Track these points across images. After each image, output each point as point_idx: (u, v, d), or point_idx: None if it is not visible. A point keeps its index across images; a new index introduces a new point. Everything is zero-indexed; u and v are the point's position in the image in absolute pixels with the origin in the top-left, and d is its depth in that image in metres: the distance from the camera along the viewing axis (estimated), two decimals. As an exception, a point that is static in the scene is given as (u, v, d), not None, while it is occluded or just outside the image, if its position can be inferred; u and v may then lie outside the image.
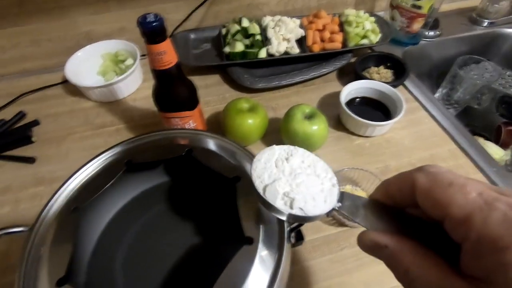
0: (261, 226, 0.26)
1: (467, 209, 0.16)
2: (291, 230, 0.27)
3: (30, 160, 0.53)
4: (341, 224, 0.44)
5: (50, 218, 0.28)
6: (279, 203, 0.22)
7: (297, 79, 0.62)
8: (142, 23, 0.34)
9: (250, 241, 0.25)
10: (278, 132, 0.53)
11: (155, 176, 0.34)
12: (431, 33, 0.72)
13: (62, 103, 0.63)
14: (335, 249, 0.42)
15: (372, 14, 0.68)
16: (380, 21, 0.69)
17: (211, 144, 0.33)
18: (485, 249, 0.15)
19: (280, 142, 0.53)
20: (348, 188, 0.47)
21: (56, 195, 0.29)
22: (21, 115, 0.59)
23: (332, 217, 0.44)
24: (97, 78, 0.66)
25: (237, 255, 0.24)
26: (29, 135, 0.56)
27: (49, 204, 0.28)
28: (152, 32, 0.34)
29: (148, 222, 0.32)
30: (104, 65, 0.66)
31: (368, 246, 0.20)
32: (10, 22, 0.62)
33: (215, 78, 0.67)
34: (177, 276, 0.30)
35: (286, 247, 0.26)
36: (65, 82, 0.66)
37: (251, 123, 0.48)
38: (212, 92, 0.64)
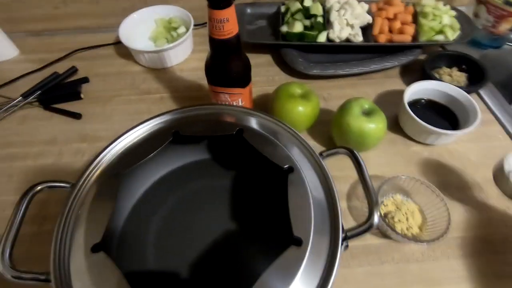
0: (312, 226, 0.23)
1: None
2: (345, 237, 0.24)
3: (77, 115, 0.54)
4: (385, 236, 0.40)
5: (92, 179, 0.27)
6: None
7: (356, 70, 0.56)
8: (209, -16, 0.31)
9: (299, 243, 0.22)
10: (327, 124, 0.49)
11: (201, 151, 0.32)
12: (520, 37, 0.63)
13: (111, 64, 0.63)
14: (374, 262, 0.38)
15: (453, 7, 0.60)
16: (461, 16, 0.60)
17: (265, 127, 0.30)
18: None
19: (328, 135, 0.49)
20: (398, 198, 0.42)
21: (101, 156, 0.28)
22: (73, 70, 0.60)
23: (377, 227, 0.40)
24: (148, 42, 0.65)
25: (283, 255, 0.22)
26: (78, 91, 0.57)
27: (93, 164, 0.27)
28: (218, -5, 0.31)
29: (187, 197, 0.31)
30: (157, 30, 0.65)
31: None
32: (73, -24, 0.62)
33: (266, 58, 0.63)
34: (211, 261, 0.28)
35: (339, 255, 0.23)
36: (117, 43, 0.66)
37: (302, 111, 0.44)
38: (261, 73, 0.61)
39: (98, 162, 0.27)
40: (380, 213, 0.39)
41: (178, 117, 0.30)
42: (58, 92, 0.57)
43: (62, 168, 0.48)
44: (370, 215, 0.23)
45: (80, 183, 0.26)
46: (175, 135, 0.29)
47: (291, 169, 0.26)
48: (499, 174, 0.42)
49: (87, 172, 0.27)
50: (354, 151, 0.28)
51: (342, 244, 0.23)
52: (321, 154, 0.28)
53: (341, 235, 0.23)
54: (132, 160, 0.27)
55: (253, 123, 0.31)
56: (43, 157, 0.49)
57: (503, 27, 0.59)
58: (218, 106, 0.32)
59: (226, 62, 0.38)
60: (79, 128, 0.53)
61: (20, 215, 0.23)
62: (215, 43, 0.36)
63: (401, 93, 0.49)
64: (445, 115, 0.50)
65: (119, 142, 0.29)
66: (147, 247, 0.29)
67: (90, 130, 0.53)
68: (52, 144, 0.51)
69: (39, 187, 0.25)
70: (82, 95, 0.57)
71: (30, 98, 0.55)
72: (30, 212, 0.26)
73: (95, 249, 0.22)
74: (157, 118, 0.30)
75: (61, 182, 0.27)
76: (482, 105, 0.54)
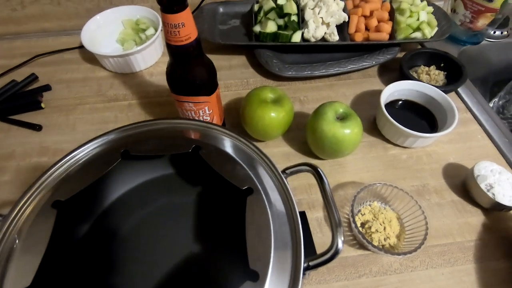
0: (271, 257, 0.21)
1: None
2: (307, 267, 0.22)
3: (37, 127, 0.50)
4: (362, 247, 0.38)
5: (28, 209, 0.24)
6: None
7: (332, 70, 0.54)
8: (159, -15, 0.28)
9: (256, 277, 0.20)
10: (302, 129, 0.47)
11: (154, 169, 0.29)
12: (498, 32, 0.62)
13: (76, 69, 0.59)
14: (352, 275, 0.37)
15: (429, 3, 0.59)
16: (438, 12, 0.59)
17: (225, 143, 0.27)
18: None
19: (304, 140, 0.47)
20: (376, 206, 0.41)
21: (39, 183, 0.25)
22: (33, 77, 0.56)
23: (354, 237, 0.39)
24: (115, 46, 0.62)
25: (237, 292, 0.19)
26: (39, 100, 0.53)
27: (29, 192, 0.24)
28: (170, -2, 0.28)
29: (139, 223, 0.28)
30: (124, 32, 0.61)
31: None
32: (29, -24, 0.57)
33: (240, 60, 0.61)
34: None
35: (300, 289, 0.20)
36: (82, 47, 0.62)
37: (274, 117, 0.42)
38: (235, 75, 0.58)
39: (36, 190, 0.24)
40: (356, 224, 0.37)
41: (127, 134, 0.27)
42: (16, 102, 0.53)
43: (20, 185, 0.45)
44: (333, 241, 0.21)
45: (13, 214, 0.23)
46: (124, 155, 0.26)
47: (251, 190, 0.24)
48: (471, 184, 0.41)
49: (22, 202, 0.24)
50: (318, 168, 0.26)
51: (303, 277, 0.21)
52: (284, 171, 0.26)
53: (302, 266, 0.21)
54: (74, 185, 0.24)
55: (212, 139, 0.28)
56: (-1, 174, 0.46)
57: (481, 22, 0.58)
58: (172, 121, 0.29)
59: (187, 70, 0.35)
60: (39, 140, 0.49)
61: None
62: (172, 50, 0.33)
63: (379, 93, 0.47)
64: (423, 116, 0.49)
65: (60, 167, 0.26)
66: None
67: (51, 142, 0.49)
68: (9, 159, 0.47)
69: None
70: (43, 105, 0.53)
71: (-15, 110, 0.51)
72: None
73: (23, 295, 0.19)
74: (103, 138, 0.27)
75: (-9, 214, 0.24)
76: (460, 104, 0.53)
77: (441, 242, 0.39)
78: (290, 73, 0.54)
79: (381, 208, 0.40)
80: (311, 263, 0.21)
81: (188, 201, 0.29)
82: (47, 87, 0.55)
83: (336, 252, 0.21)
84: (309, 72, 0.54)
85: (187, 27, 0.31)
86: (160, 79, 0.58)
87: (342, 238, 0.21)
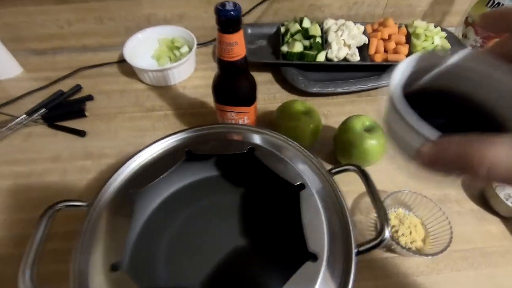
0: (326, 241, 0.24)
1: None
2: (357, 253, 0.25)
3: (81, 133, 0.54)
4: (389, 250, 0.41)
5: (107, 197, 0.27)
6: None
7: (354, 88, 0.59)
8: (220, 10, 0.32)
9: (314, 258, 0.23)
10: (328, 141, 0.50)
11: (213, 169, 0.33)
12: (506, 56, 0.66)
13: (115, 82, 0.64)
14: (380, 275, 0.39)
15: (443, 29, 0.64)
16: (450, 37, 0.64)
17: (274, 145, 0.31)
18: None
19: (330, 151, 0.50)
20: (401, 212, 0.43)
21: (115, 175, 0.28)
22: (78, 88, 0.60)
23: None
24: (151, 61, 0.67)
25: (299, 271, 0.22)
26: (82, 108, 0.58)
27: (108, 183, 0.28)
28: (228, 20, 0.33)
29: (199, 214, 0.31)
30: (160, 49, 0.67)
31: None
32: (80, -3, 0.64)
33: (267, 77, 0.65)
34: (224, 278, 0.28)
35: (354, 271, 0.23)
36: (120, 61, 0.67)
37: (306, 127, 0.46)
38: (262, 91, 0.63)
39: (114, 180, 0.28)
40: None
41: (189, 136, 0.31)
42: (62, 109, 0.57)
43: (67, 185, 0.48)
44: (382, 229, 0.24)
45: (95, 202, 0.27)
46: (188, 154, 0.30)
47: (303, 186, 0.27)
48: (490, 193, 0.44)
49: (102, 191, 0.27)
50: (362, 168, 0.29)
51: (355, 259, 0.24)
52: (329, 171, 0.29)
53: (353, 250, 0.24)
54: (146, 178, 0.28)
55: (262, 141, 0.32)
56: (47, 175, 0.49)
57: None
58: (228, 125, 0.33)
59: (234, 83, 0.39)
60: (83, 145, 0.53)
61: (40, 235, 0.23)
62: (224, 64, 0.37)
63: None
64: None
65: (133, 161, 0.29)
66: (159, 264, 0.29)
67: (94, 147, 0.53)
68: (57, 162, 0.51)
69: (58, 206, 0.25)
70: (86, 113, 0.57)
71: (35, 116, 0.55)
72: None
73: (114, 267, 0.22)
74: (170, 137, 0.31)
75: (78, 201, 0.27)
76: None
77: (463, 247, 0.41)
78: (315, 89, 0.58)
79: (406, 214, 0.43)
80: (360, 248, 0.24)
81: (245, 195, 0.32)
82: (90, 97, 0.60)
83: (383, 240, 0.24)
84: (332, 89, 0.58)
85: (239, 46, 0.35)
86: (192, 92, 0.63)
87: (389, 228, 0.24)
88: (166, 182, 0.30)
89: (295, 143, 0.31)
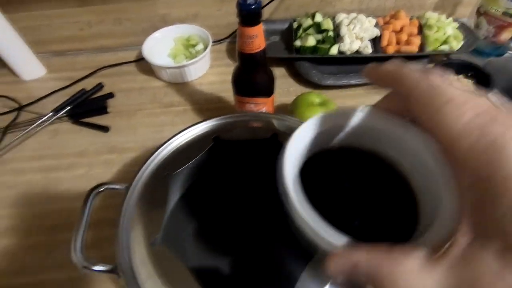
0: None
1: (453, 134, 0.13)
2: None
3: (105, 129, 0.57)
4: None
5: (144, 180, 0.29)
6: None
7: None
8: (242, 4, 0.34)
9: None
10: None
11: (239, 154, 0.34)
12: (520, 45, 0.66)
13: (134, 80, 0.67)
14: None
15: (455, 19, 0.64)
16: (462, 27, 0.64)
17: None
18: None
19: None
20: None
21: (150, 159, 0.30)
22: (100, 86, 0.63)
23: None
24: (167, 59, 0.69)
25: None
26: (105, 106, 0.60)
27: (144, 167, 0.30)
28: (250, 14, 0.35)
29: (229, 196, 0.33)
30: (176, 48, 0.69)
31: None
32: (99, 0, 0.66)
33: (280, 71, 0.67)
34: (256, 256, 0.30)
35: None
36: (138, 60, 0.70)
37: (322, 118, 0.47)
38: (277, 85, 0.63)
39: (148, 165, 0.30)
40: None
41: (216, 123, 0.33)
42: (86, 107, 0.60)
43: (94, 177, 0.51)
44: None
45: (133, 184, 0.29)
46: (216, 140, 0.31)
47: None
48: None
49: (139, 174, 0.29)
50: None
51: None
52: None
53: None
54: (178, 163, 0.30)
55: (283, 127, 0.33)
56: (74, 169, 0.52)
57: (504, 36, 0.63)
58: (252, 114, 0.34)
59: (254, 74, 0.41)
60: (107, 140, 0.56)
61: (87, 213, 0.25)
62: (244, 56, 0.39)
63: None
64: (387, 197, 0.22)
65: (165, 148, 0.31)
66: (190, 244, 0.31)
67: (117, 142, 0.56)
68: (82, 156, 0.54)
69: (101, 188, 0.27)
70: (108, 110, 0.60)
71: (61, 113, 0.58)
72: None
73: (155, 242, 0.24)
74: (198, 125, 0.33)
75: (117, 184, 0.29)
76: (489, 109, 0.57)
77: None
78: (328, 81, 0.59)
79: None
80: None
81: (270, 179, 0.33)
82: (110, 95, 0.63)
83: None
84: (346, 81, 0.60)
85: (259, 38, 0.37)
86: (209, 88, 0.65)
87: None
88: (196, 167, 0.32)
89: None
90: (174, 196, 0.30)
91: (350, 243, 0.15)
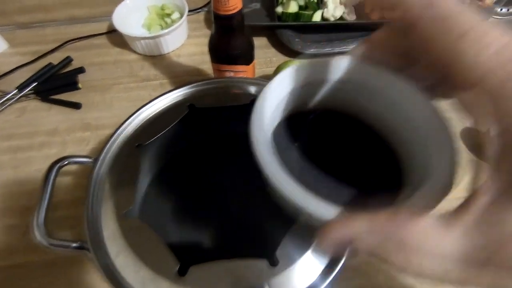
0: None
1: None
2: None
3: (76, 105, 0.53)
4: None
5: (114, 151, 0.27)
6: None
7: (351, 47, 0.58)
8: (214, -43, 0.31)
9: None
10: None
11: (217, 123, 0.32)
12: (504, 10, 0.65)
13: (107, 53, 0.62)
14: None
15: (440, -18, 0.62)
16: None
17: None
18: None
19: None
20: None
21: (119, 130, 0.28)
22: (68, 60, 0.59)
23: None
24: (141, 30, 0.64)
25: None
26: (75, 81, 0.56)
27: (112, 138, 0.28)
28: (223, -32, 0.32)
29: (207, 165, 0.32)
30: (150, 17, 0.64)
31: None
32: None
33: (262, 41, 0.64)
34: (230, 230, 0.29)
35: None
36: (110, 32, 0.65)
37: (305, 86, 0.46)
38: (258, 55, 0.60)
39: (118, 136, 0.28)
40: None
41: (193, 90, 0.31)
42: (54, 83, 0.56)
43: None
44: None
45: (101, 156, 0.27)
46: (191, 108, 0.29)
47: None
48: None
49: (108, 146, 0.27)
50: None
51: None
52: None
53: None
54: (151, 132, 0.28)
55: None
56: (47, 148, 0.49)
57: (489, 0, 0.61)
58: (228, 79, 0.32)
59: (231, 39, 0.38)
60: (80, 117, 0.53)
61: (49, 188, 0.24)
62: (220, 19, 0.36)
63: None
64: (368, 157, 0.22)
65: (137, 116, 0.29)
66: (168, 216, 0.30)
67: (91, 119, 0.52)
68: (54, 135, 0.50)
69: (65, 162, 0.25)
70: (80, 85, 0.56)
71: (26, 91, 0.54)
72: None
73: (127, 214, 0.23)
74: (172, 93, 0.31)
75: (83, 157, 0.27)
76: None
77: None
78: (312, 50, 0.57)
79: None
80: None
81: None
82: (81, 70, 0.58)
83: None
84: (329, 49, 0.57)
85: (235, -3, 0.34)
86: (187, 59, 0.61)
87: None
88: (171, 136, 0.30)
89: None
90: (147, 167, 0.29)
91: (344, 212, 0.13)
